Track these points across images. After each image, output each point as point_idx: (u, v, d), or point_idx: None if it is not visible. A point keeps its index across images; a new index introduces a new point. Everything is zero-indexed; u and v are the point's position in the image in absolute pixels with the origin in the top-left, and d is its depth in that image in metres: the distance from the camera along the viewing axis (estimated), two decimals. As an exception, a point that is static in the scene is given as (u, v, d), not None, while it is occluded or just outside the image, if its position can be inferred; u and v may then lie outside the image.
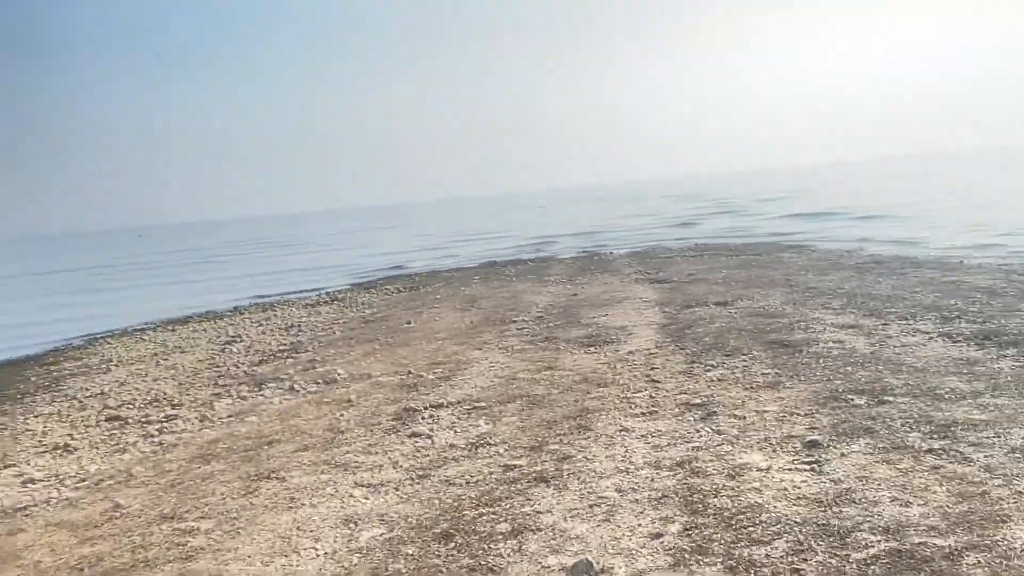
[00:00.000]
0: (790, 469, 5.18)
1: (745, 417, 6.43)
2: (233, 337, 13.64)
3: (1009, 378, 6.91)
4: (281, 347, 12.17)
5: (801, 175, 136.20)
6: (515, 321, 12.47)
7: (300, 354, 11.24)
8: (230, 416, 7.77)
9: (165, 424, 7.72)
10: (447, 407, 7.49)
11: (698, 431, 6.17)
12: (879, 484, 4.79)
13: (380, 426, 6.98)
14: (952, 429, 5.65)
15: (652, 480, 5.16)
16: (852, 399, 6.68)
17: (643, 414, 6.81)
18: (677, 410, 6.84)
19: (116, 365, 12.32)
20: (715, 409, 6.71)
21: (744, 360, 8.51)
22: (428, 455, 6.08)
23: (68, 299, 29.67)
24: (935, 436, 5.56)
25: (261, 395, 8.68)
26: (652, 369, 8.46)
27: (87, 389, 10.31)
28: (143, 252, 74.79)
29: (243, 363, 11.06)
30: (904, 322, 9.76)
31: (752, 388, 7.35)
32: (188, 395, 9.21)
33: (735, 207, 51.61)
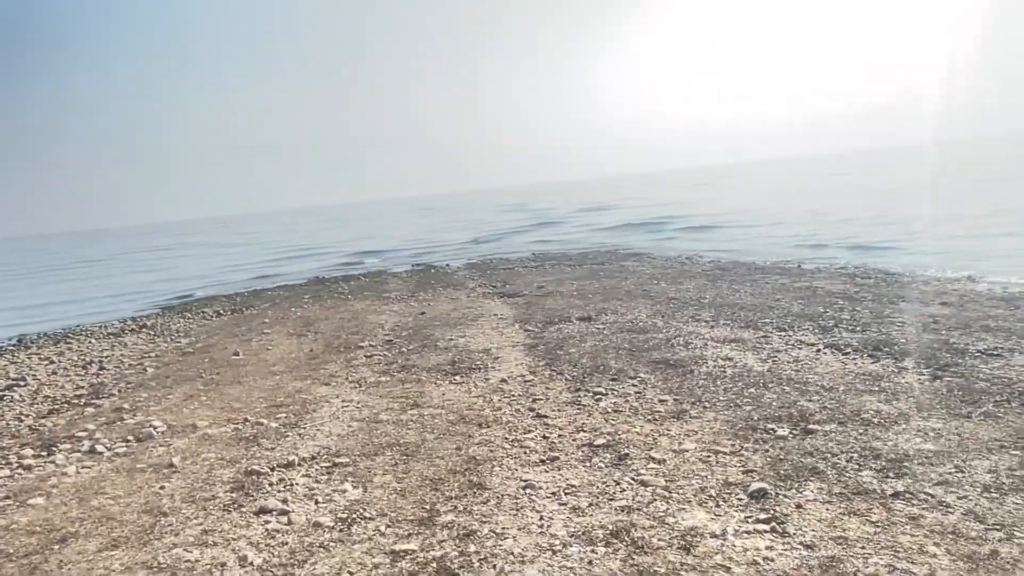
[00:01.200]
0: (749, 532, 4.25)
1: (665, 460, 5.49)
2: (14, 380, 11.27)
3: (927, 395, 6.41)
4: (78, 391, 10.07)
5: (622, 185, 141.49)
6: (362, 347, 11.05)
7: (103, 400, 9.26)
8: (6, 498, 5.89)
9: (-89, 514, 5.74)
10: (300, 466, 6.05)
11: (618, 483, 5.15)
12: (863, 547, 3.95)
13: (216, 501, 5.43)
14: (906, 465, 4.96)
15: (590, 563, 4.05)
16: (774, 429, 5.92)
17: (543, 461, 5.72)
18: (581, 454, 5.81)
19: None
20: (625, 450, 5.73)
21: (634, 384, 7.64)
22: (287, 542, 4.65)
23: None
24: (891, 474, 4.83)
25: (51, 462, 6.79)
26: (535, 401, 7.41)
27: None
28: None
29: (27, 415, 8.96)
30: (784, 333, 9.30)
31: (656, 420, 6.46)
32: (-51, 466, 7.14)
33: (556, 217, 52.00)
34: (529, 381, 8.23)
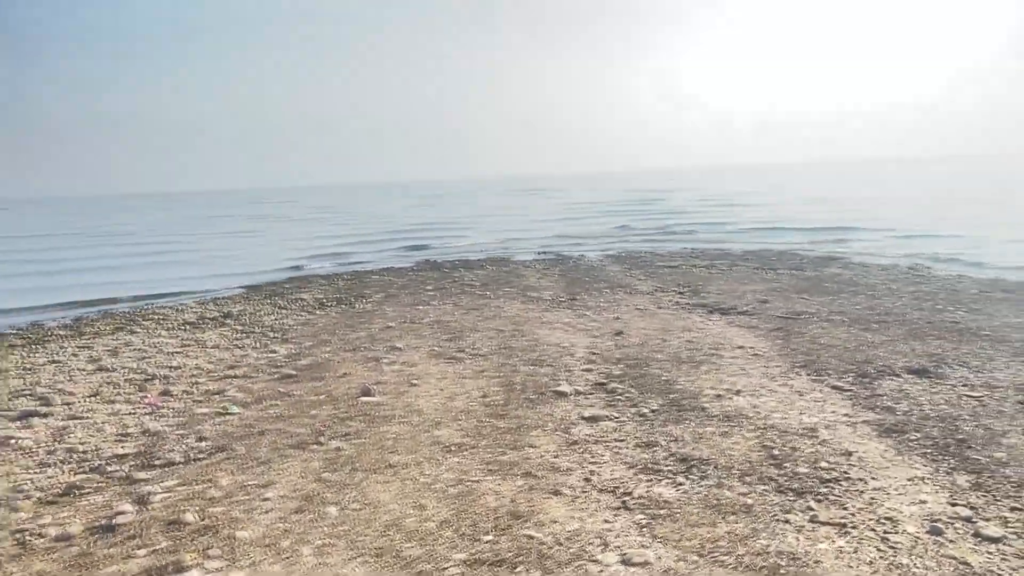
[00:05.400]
0: None
1: None
2: (40, 401, 7.49)
3: None
4: (120, 444, 6.15)
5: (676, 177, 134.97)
6: (564, 394, 6.90)
7: (153, 484, 5.28)
8: None
9: None
10: None
11: None
12: None
13: None
14: None
15: None
16: None
17: None
18: None
19: None
20: None
21: None
22: None
23: None
24: None
25: None
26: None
27: None
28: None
29: (30, 499, 5.05)
30: None
31: None
32: None
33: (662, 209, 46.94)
34: (983, 542, 3.93)
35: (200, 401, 7.25)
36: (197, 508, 4.65)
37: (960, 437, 5.43)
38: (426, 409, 6.56)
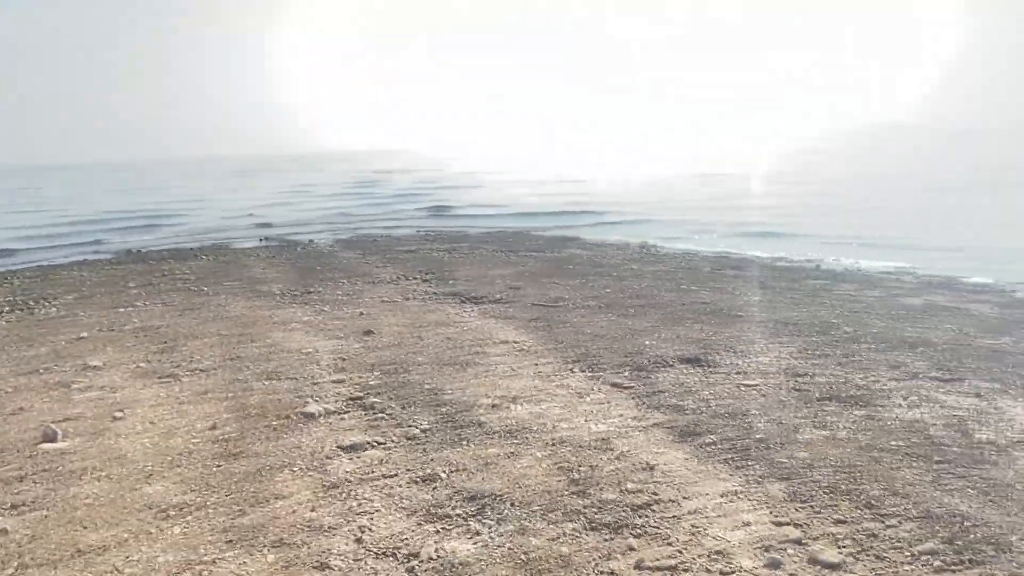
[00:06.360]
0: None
1: None
2: None
3: None
4: None
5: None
6: (312, 416, 5.73)
7: None
8: None
9: None
10: None
11: None
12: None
13: None
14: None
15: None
16: None
17: None
18: None
19: None
20: None
21: None
22: None
23: None
24: None
25: None
26: None
27: None
28: None
29: None
30: None
31: None
32: None
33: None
34: (823, 570, 3.52)
35: None
36: None
37: (757, 436, 5.07)
38: (134, 454, 5.06)
